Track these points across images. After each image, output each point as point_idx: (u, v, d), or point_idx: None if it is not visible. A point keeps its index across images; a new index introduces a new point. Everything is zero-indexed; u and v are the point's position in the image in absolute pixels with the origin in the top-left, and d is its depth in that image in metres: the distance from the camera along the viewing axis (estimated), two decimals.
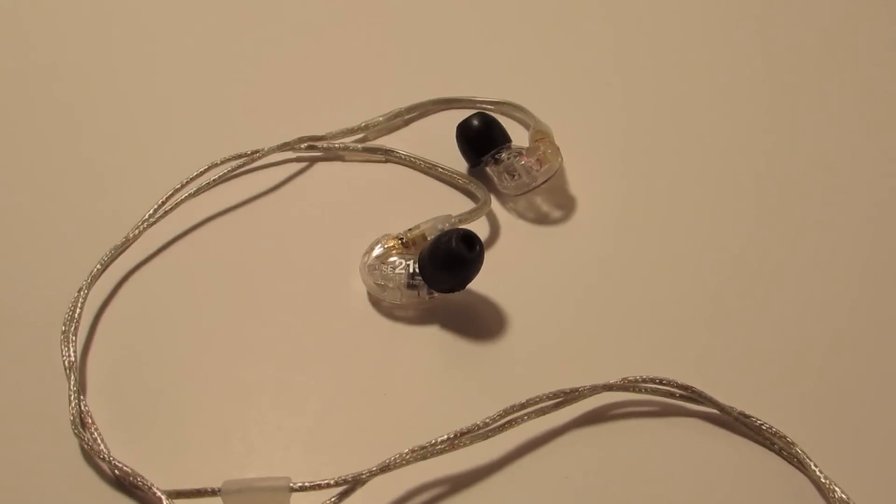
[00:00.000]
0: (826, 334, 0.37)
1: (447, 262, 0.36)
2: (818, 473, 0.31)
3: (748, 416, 0.33)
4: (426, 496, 0.31)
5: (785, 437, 0.32)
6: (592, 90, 0.50)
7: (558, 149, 0.42)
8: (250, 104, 0.48)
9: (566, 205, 0.43)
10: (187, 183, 0.42)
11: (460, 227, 0.38)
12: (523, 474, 0.32)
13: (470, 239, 0.36)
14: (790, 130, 0.47)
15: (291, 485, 0.30)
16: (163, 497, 0.30)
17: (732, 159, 0.45)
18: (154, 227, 0.40)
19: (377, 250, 0.38)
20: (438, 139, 0.45)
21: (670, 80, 0.51)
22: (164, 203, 0.41)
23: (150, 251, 0.40)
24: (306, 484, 0.30)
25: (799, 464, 0.32)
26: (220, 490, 0.30)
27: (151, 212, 0.41)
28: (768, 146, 0.46)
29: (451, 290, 0.37)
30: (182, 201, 0.41)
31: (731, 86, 0.50)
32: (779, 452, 0.33)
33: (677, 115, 0.48)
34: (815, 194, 0.43)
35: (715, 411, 0.34)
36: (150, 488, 0.30)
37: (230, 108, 0.48)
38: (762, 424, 0.33)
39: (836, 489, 0.31)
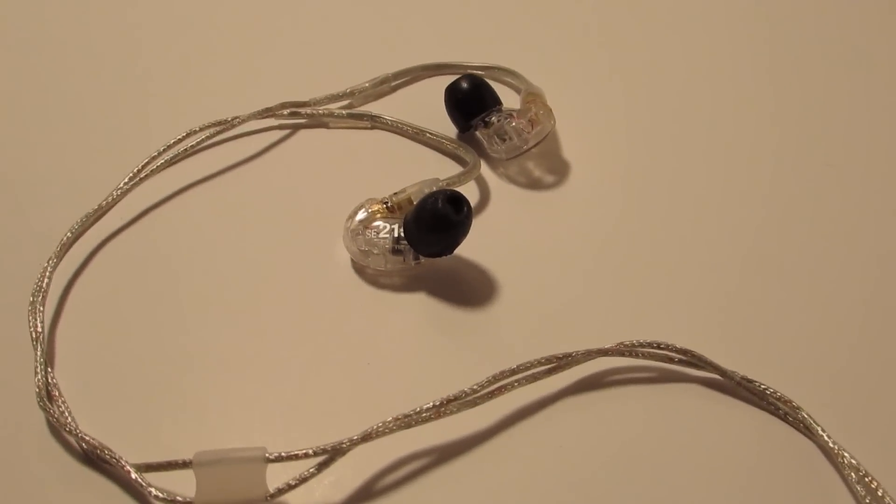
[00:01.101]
0: (832, 294, 0.35)
1: (433, 224, 0.34)
2: (826, 439, 0.30)
3: (751, 381, 0.31)
4: (411, 467, 0.30)
5: (790, 402, 0.31)
6: (585, 53, 0.48)
7: (551, 110, 0.40)
8: (230, 69, 0.46)
9: (559, 169, 0.41)
10: (164, 151, 0.40)
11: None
12: (514, 443, 0.30)
13: (457, 200, 0.34)
14: (795, 90, 0.46)
15: (267, 455, 0.28)
16: (132, 470, 0.29)
17: (730, 119, 0.44)
18: (129, 195, 0.39)
19: (360, 215, 0.36)
20: (427, 105, 0.43)
21: (666, 40, 0.49)
22: (139, 171, 0.39)
23: (125, 220, 0.38)
24: (283, 454, 0.28)
25: (805, 429, 0.30)
26: (191, 462, 0.28)
27: (126, 180, 0.39)
28: (769, 105, 0.45)
29: (439, 255, 0.35)
30: (159, 169, 0.40)
31: (733, 40, 0.49)
32: (784, 418, 0.31)
33: (674, 76, 0.47)
34: (821, 155, 0.42)
35: (716, 376, 0.32)
36: (118, 462, 0.29)
37: (209, 73, 0.46)
38: (766, 389, 0.31)
39: (846, 454, 0.29)
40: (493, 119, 0.40)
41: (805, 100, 0.45)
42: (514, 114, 0.40)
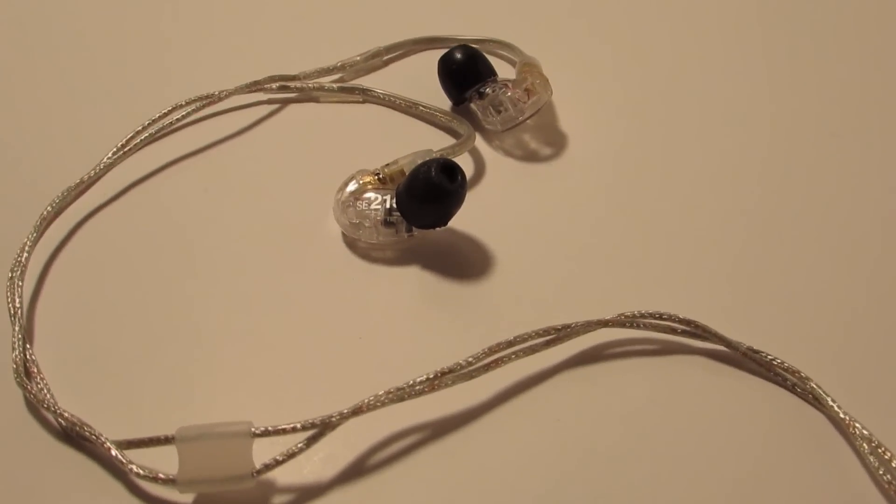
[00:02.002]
0: (839, 261, 0.34)
1: (427, 193, 0.33)
2: (836, 409, 0.28)
3: (757, 352, 0.30)
4: (404, 442, 0.28)
5: (799, 372, 0.29)
6: (581, 24, 0.47)
7: (547, 80, 0.39)
8: (218, 43, 0.45)
9: (556, 142, 0.40)
10: (149, 125, 0.39)
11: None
12: (510, 417, 0.29)
13: (451, 169, 0.33)
14: (798, 58, 0.45)
15: (253, 430, 0.27)
16: (112, 447, 0.27)
17: (731, 89, 0.43)
18: (113, 170, 0.37)
19: (351, 186, 0.35)
20: (420, 80, 0.42)
21: (664, 10, 0.48)
22: (123, 146, 0.38)
23: (109, 195, 0.37)
24: (270, 428, 0.27)
25: (815, 400, 0.29)
26: (173, 437, 0.27)
27: (110, 154, 0.38)
28: (771, 75, 0.44)
29: (432, 227, 0.34)
30: (143, 143, 0.39)
31: (734, 8, 0.48)
32: (792, 389, 0.30)
33: (672, 46, 0.45)
34: (823, 123, 0.41)
35: (720, 347, 0.31)
36: (98, 438, 0.28)
37: (196, 46, 0.45)
38: (773, 360, 0.30)
39: (857, 425, 0.28)
40: (488, 90, 0.39)
41: (809, 68, 0.44)
42: (510, 84, 0.39)
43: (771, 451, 0.28)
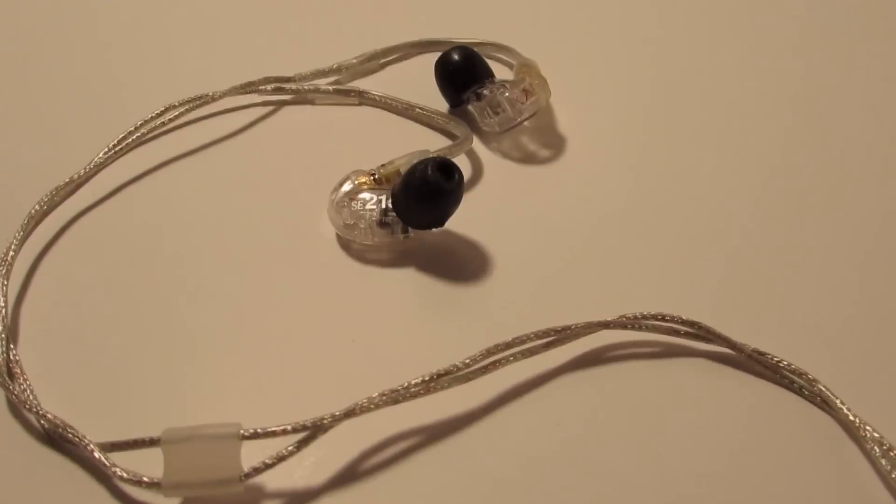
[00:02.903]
0: (847, 261, 0.33)
1: (423, 192, 0.32)
2: (846, 412, 0.27)
3: (763, 354, 0.29)
4: (399, 446, 0.27)
5: (806, 374, 0.29)
6: (579, 27, 0.47)
7: (546, 81, 0.38)
8: (212, 43, 0.45)
9: (555, 144, 0.39)
10: (142, 125, 0.38)
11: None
12: (509, 421, 0.28)
13: (447, 167, 0.32)
14: (806, 54, 0.44)
15: (242, 432, 0.26)
16: (95, 450, 0.26)
17: (736, 87, 0.42)
18: (104, 171, 0.37)
19: (346, 186, 0.34)
20: (416, 83, 0.41)
21: (664, 11, 0.47)
22: (115, 146, 0.37)
23: (99, 195, 0.36)
24: (259, 430, 0.26)
25: (823, 403, 0.28)
26: (159, 440, 0.26)
27: (101, 154, 0.37)
28: (775, 76, 0.43)
29: (429, 227, 0.33)
30: (136, 144, 0.38)
31: (735, 6, 0.47)
32: (799, 392, 0.29)
33: (672, 47, 0.45)
34: (829, 123, 0.40)
35: (725, 349, 0.30)
36: (81, 440, 0.27)
37: (191, 46, 0.44)
38: (779, 361, 0.29)
39: (868, 428, 0.27)
40: (486, 91, 0.38)
41: (816, 64, 0.44)
42: (508, 85, 0.38)
43: (778, 455, 0.27)
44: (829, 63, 0.44)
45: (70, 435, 0.27)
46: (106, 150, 0.37)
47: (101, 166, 0.37)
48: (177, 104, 0.39)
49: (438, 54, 0.40)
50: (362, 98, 0.41)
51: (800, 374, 0.29)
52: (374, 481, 0.27)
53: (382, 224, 0.33)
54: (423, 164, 0.32)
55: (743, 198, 0.36)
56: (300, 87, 0.41)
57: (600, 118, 0.40)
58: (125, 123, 0.38)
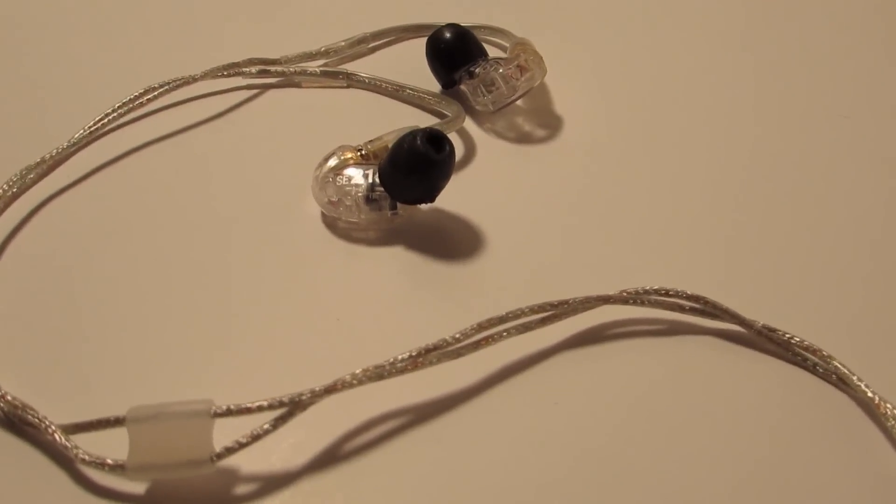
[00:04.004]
0: (861, 230, 0.32)
1: (412, 164, 0.30)
2: (864, 388, 0.26)
3: (773, 330, 0.27)
4: (384, 426, 0.25)
5: (820, 351, 0.27)
6: (575, 7, 0.45)
7: (541, 57, 0.37)
8: (194, 25, 0.43)
9: (551, 124, 0.37)
10: (120, 107, 0.36)
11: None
12: (503, 400, 0.26)
13: (437, 138, 0.30)
14: (809, 38, 0.43)
15: (214, 409, 0.24)
16: (57, 431, 0.25)
17: (739, 66, 0.41)
18: (80, 153, 0.35)
19: (331, 161, 0.32)
20: (407, 68, 0.40)
21: None
22: (92, 128, 0.36)
23: (73, 178, 0.34)
24: (232, 407, 0.24)
25: (839, 381, 0.26)
26: (124, 418, 0.24)
27: (76, 137, 0.35)
28: (776, 48, 0.42)
29: (418, 202, 0.31)
30: (108, 123, 0.36)
31: None
32: (813, 370, 0.27)
33: (670, 27, 0.43)
34: (833, 97, 0.39)
35: (733, 326, 0.28)
36: (41, 422, 0.25)
37: (172, 27, 0.43)
38: (792, 338, 0.27)
39: (889, 405, 0.25)
40: (478, 70, 0.37)
41: (819, 48, 0.42)
42: (502, 61, 0.37)
43: (792, 438, 0.25)
44: (837, 24, 0.43)
45: (30, 417, 0.25)
46: (81, 132, 0.36)
47: (74, 146, 0.35)
48: (156, 86, 0.38)
49: None
50: (350, 80, 0.40)
51: (814, 351, 0.27)
52: (357, 463, 0.25)
53: (369, 200, 0.31)
54: (412, 134, 0.30)
55: (747, 167, 0.35)
56: (286, 70, 0.40)
57: (597, 98, 0.39)
58: (102, 105, 0.37)
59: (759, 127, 0.37)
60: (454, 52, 0.37)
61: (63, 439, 0.24)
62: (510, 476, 0.25)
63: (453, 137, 0.36)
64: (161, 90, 0.37)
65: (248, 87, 0.39)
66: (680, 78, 0.40)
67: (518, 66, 0.36)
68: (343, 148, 0.33)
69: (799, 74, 0.41)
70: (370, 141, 0.33)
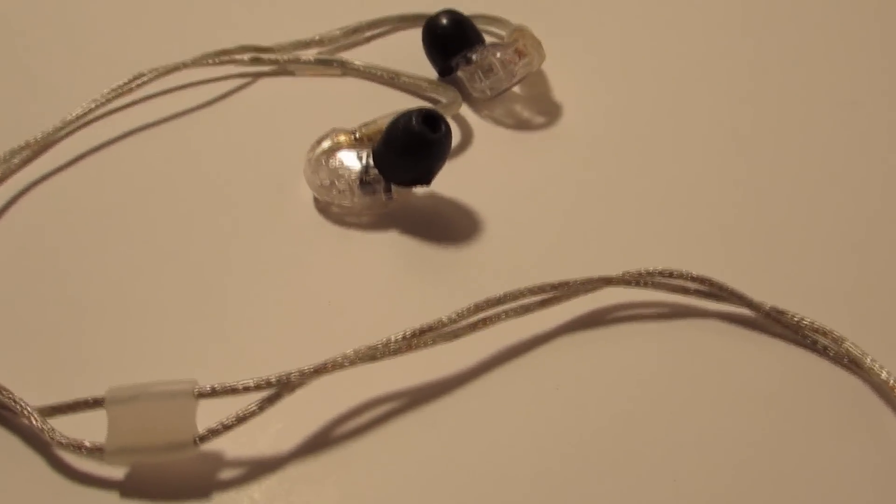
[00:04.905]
0: (872, 209, 0.31)
1: (407, 144, 0.29)
2: (878, 370, 0.24)
3: (783, 312, 0.26)
4: (377, 410, 0.24)
5: (832, 333, 0.26)
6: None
7: (540, 43, 0.36)
8: (186, 10, 0.42)
9: (550, 111, 0.36)
10: (109, 93, 0.35)
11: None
12: (501, 384, 0.25)
13: (433, 118, 0.30)
14: (805, 17, 0.42)
15: (198, 389, 0.23)
16: (33, 414, 0.23)
17: (737, 46, 0.40)
18: (67, 140, 0.34)
19: (325, 144, 0.32)
20: (403, 58, 0.38)
21: None
22: (80, 115, 0.35)
23: (60, 163, 0.33)
24: (217, 387, 0.23)
25: (852, 363, 0.25)
26: (103, 399, 0.23)
27: (63, 122, 0.34)
28: (780, 32, 0.41)
29: (414, 184, 0.30)
30: (100, 114, 0.35)
31: None
32: (824, 352, 0.26)
33: (671, 10, 0.42)
34: (840, 74, 0.38)
35: (740, 309, 0.27)
36: (17, 404, 0.24)
37: (162, 13, 0.42)
38: (801, 320, 0.26)
39: None
40: (476, 56, 0.36)
41: (826, 31, 0.41)
42: (500, 47, 0.36)
43: (803, 424, 0.24)
44: (845, 6, 0.42)
45: (5, 399, 0.24)
46: (69, 117, 0.35)
47: (61, 131, 0.34)
48: (145, 73, 0.37)
49: None
50: (345, 69, 0.39)
51: (824, 333, 0.26)
52: (348, 449, 0.24)
53: (363, 183, 0.31)
54: (407, 114, 0.29)
55: (752, 146, 0.34)
56: (279, 58, 0.39)
57: (597, 85, 0.38)
58: (90, 92, 0.36)
59: (766, 106, 0.36)
60: (451, 38, 0.37)
61: (39, 422, 0.23)
62: (508, 463, 0.23)
63: (450, 125, 0.35)
64: (150, 77, 0.37)
65: (241, 75, 0.38)
66: (681, 62, 0.39)
67: (516, 50, 0.35)
68: (336, 131, 0.32)
69: (806, 58, 0.40)
70: (364, 124, 0.32)
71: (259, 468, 0.23)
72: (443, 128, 0.29)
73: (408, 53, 0.39)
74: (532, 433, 0.24)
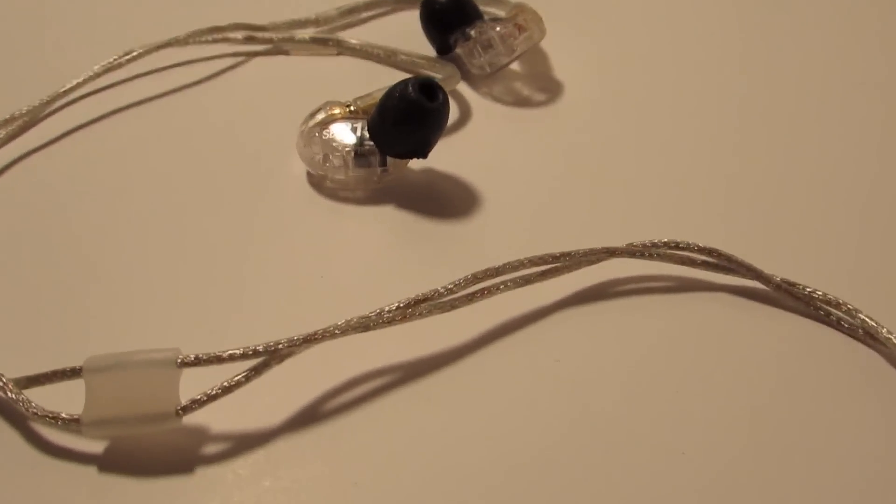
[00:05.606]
0: (883, 176, 0.30)
1: (403, 114, 0.28)
2: (895, 341, 0.23)
3: (793, 284, 0.25)
4: (370, 384, 0.23)
5: (846, 304, 0.25)
6: None
7: (540, 18, 0.35)
8: None
9: (551, 88, 0.35)
10: (98, 69, 0.35)
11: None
12: (500, 356, 0.24)
13: (430, 87, 0.29)
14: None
15: (181, 358, 0.22)
16: (8, 385, 0.22)
17: (742, 23, 0.39)
18: (55, 116, 0.33)
19: (318, 116, 0.31)
20: (401, 38, 0.38)
21: None
22: (68, 90, 0.34)
23: (46, 139, 0.32)
24: (202, 356, 0.22)
25: (867, 335, 0.24)
26: (81, 369, 0.22)
27: (50, 97, 0.33)
28: (786, 10, 0.40)
29: (410, 156, 0.29)
30: (89, 91, 0.34)
31: None
32: (837, 325, 0.25)
33: None
34: (851, 39, 0.37)
35: (749, 281, 0.26)
36: None
37: None
38: (813, 292, 0.25)
39: None
40: (474, 31, 0.35)
41: (833, 10, 0.41)
42: (499, 22, 0.35)
43: (817, 399, 0.23)
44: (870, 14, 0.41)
45: None
46: (55, 93, 0.34)
47: (48, 105, 0.33)
48: (136, 49, 0.36)
49: None
50: (341, 48, 0.38)
51: (838, 305, 0.25)
52: (338, 423, 0.22)
53: (358, 156, 0.30)
54: (404, 83, 0.28)
55: (756, 113, 0.33)
56: (274, 37, 0.38)
57: (597, 62, 0.37)
58: (79, 68, 0.35)
59: (774, 75, 0.36)
60: (450, 14, 0.36)
61: (14, 393, 0.22)
62: (506, 438, 0.22)
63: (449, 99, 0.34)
64: (141, 52, 0.36)
65: (234, 54, 0.38)
66: (683, 36, 0.39)
67: (516, 25, 0.34)
68: (331, 103, 0.31)
69: (817, 27, 0.39)
70: (360, 97, 0.31)
71: (245, 442, 0.22)
72: (440, 97, 0.28)
73: (406, 34, 0.38)
74: (531, 407, 0.23)
